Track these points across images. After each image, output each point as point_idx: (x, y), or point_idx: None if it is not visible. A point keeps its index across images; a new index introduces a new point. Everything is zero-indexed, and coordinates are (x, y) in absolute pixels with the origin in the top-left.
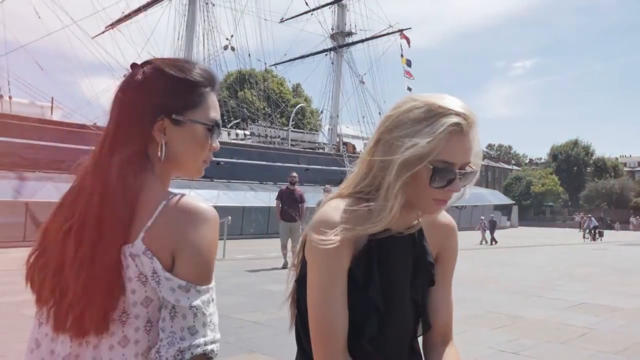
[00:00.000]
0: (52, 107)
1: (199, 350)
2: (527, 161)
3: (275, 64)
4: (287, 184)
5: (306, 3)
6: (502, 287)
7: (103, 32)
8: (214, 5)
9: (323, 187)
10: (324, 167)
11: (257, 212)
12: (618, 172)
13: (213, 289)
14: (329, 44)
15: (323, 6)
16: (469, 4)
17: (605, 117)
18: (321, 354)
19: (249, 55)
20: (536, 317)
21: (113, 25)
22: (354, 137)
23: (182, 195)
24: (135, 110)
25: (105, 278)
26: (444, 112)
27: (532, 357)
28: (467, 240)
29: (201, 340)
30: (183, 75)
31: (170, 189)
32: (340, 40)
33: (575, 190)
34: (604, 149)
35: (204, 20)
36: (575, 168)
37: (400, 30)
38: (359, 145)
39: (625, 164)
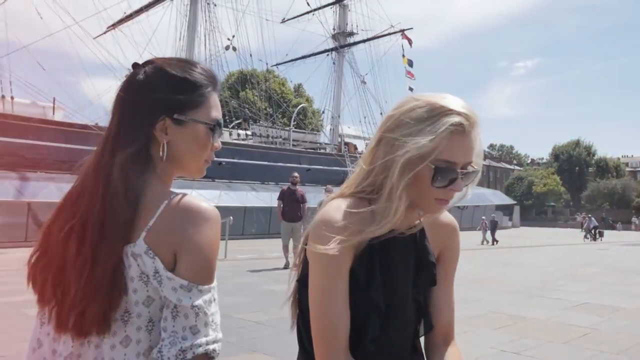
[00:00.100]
0: (54, 107)
1: (201, 350)
2: (528, 161)
3: (276, 64)
4: (289, 184)
5: (307, 3)
6: (503, 287)
7: (105, 33)
8: (215, 5)
9: (324, 187)
10: (325, 168)
11: (258, 212)
12: (620, 172)
13: (215, 288)
14: (331, 44)
15: (324, 6)
16: (471, 3)
17: (607, 117)
18: (323, 354)
19: (251, 55)
20: (538, 317)
21: (115, 25)
22: (355, 137)
23: (184, 194)
24: (137, 110)
25: (107, 278)
26: (446, 112)
27: (533, 357)
28: (469, 240)
29: (203, 339)
30: (184, 74)
31: (172, 189)
32: (342, 41)
33: (577, 190)
34: (606, 148)
35: (206, 21)
36: (577, 168)
37: (402, 30)
38: (361, 146)
39: (627, 164)
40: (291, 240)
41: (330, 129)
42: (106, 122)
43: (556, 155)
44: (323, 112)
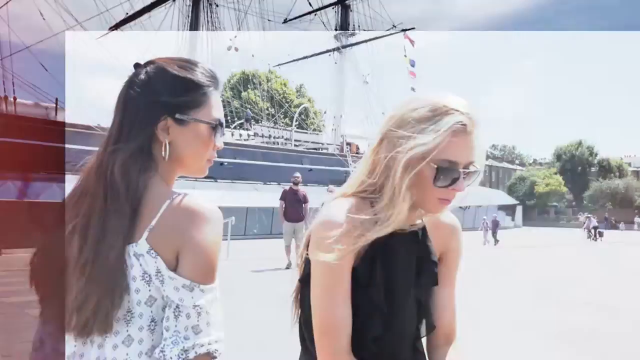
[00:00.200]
0: (56, 108)
1: (203, 350)
2: (531, 161)
3: (278, 65)
4: (291, 184)
5: (309, 3)
6: (505, 288)
7: (107, 33)
8: (217, 5)
9: (327, 187)
10: (327, 168)
11: (260, 212)
12: (623, 172)
13: (217, 288)
14: (333, 44)
15: (326, 6)
16: (473, 3)
17: (609, 116)
18: (325, 354)
19: (253, 55)
20: (541, 317)
21: (117, 26)
22: (357, 137)
23: (186, 194)
24: (139, 110)
25: (109, 277)
26: (448, 111)
27: (536, 358)
28: (471, 240)
29: (205, 339)
30: (186, 74)
31: (174, 190)
32: (344, 41)
33: (580, 190)
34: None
35: (208, 21)
36: (579, 168)
37: (404, 30)
38: (363, 146)
39: (630, 164)
40: (293, 240)
41: (332, 129)
42: (108, 123)
43: (558, 155)
44: (325, 112)
